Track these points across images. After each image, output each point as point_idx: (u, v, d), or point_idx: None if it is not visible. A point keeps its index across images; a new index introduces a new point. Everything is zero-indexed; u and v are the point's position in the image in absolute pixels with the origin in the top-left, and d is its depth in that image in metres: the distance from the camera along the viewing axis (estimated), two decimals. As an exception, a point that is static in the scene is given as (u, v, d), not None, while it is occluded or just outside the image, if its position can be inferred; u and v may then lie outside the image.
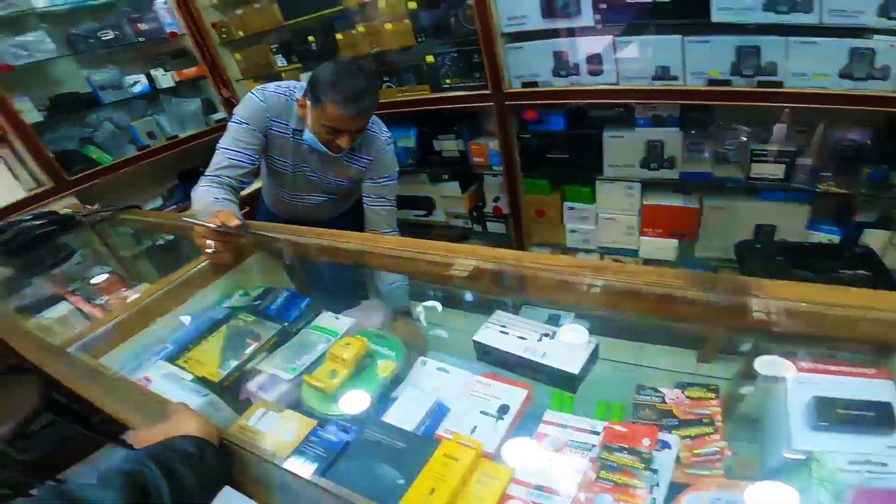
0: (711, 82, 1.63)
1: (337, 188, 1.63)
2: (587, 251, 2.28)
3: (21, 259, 1.69)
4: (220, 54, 2.65)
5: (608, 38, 1.70)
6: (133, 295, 1.42)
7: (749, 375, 0.80)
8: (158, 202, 2.59)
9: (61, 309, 1.38)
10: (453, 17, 1.91)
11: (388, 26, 2.06)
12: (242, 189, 1.44)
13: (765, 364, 0.78)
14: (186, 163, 2.68)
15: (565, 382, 0.87)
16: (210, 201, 1.28)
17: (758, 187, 1.80)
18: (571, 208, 2.19)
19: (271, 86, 1.46)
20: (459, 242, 2.53)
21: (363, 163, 1.52)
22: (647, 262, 2.14)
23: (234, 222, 1.14)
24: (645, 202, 2.03)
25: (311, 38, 2.32)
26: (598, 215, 2.15)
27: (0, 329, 1.24)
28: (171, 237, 1.82)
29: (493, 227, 2.47)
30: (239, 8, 2.48)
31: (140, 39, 2.43)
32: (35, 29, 2.13)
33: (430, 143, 2.34)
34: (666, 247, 2.06)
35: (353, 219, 1.70)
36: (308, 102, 1.35)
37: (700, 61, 1.62)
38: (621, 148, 1.91)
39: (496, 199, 2.40)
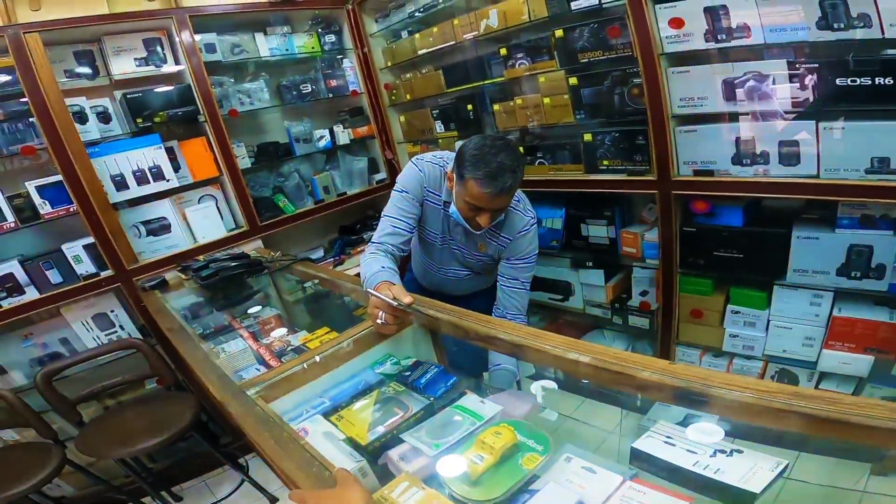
0: (947, 177, 1.35)
1: (478, 263, 1.64)
2: (748, 357, 1.99)
3: (213, 291, 1.96)
4: (388, 115, 2.87)
5: (809, 124, 1.52)
6: (291, 339, 1.55)
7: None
8: (320, 253, 2.83)
9: (237, 344, 1.54)
10: (617, 95, 1.87)
11: (547, 101, 2.09)
12: (403, 255, 1.52)
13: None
14: (348, 218, 2.95)
15: (740, 499, 0.78)
16: (377, 269, 1.35)
17: None
18: (737, 312, 1.93)
19: (428, 155, 1.55)
20: (592, 332, 2.43)
21: (502, 241, 1.53)
22: (824, 375, 1.84)
23: (407, 300, 1.18)
24: (836, 314, 1.71)
25: (469, 107, 2.45)
26: (769, 322, 1.87)
27: (189, 355, 1.42)
28: (326, 290, 1.97)
29: (634, 321, 2.28)
30: (409, 72, 2.72)
31: (329, 95, 2.71)
32: (256, 78, 2.51)
33: (578, 227, 2.27)
34: (856, 363, 1.71)
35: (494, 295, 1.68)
36: (454, 176, 1.39)
37: (933, 153, 1.36)
38: (815, 251, 1.65)
39: (644, 294, 2.22)
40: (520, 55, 2.12)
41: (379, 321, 1.21)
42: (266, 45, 2.49)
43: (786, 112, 1.55)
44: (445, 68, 2.46)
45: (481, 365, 1.52)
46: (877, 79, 1.38)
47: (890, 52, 1.38)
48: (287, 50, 2.56)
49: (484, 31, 2.18)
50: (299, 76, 2.64)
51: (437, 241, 1.62)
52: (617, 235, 2.17)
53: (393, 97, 2.83)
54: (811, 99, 1.50)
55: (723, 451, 0.84)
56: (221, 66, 2.39)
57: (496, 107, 2.32)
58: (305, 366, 1.20)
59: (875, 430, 0.69)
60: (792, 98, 1.52)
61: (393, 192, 1.54)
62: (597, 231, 2.22)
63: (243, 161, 2.43)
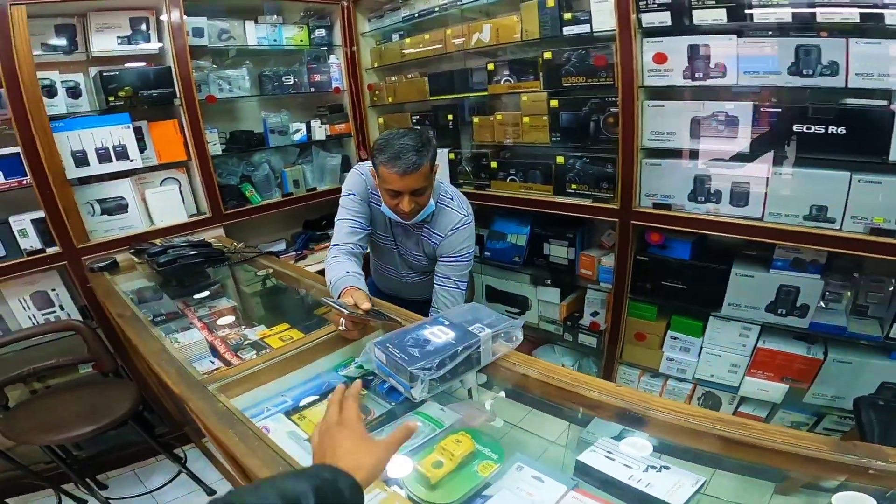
0: (873, 231, 1.49)
1: (418, 263, 1.68)
2: (680, 380, 2.15)
3: (167, 278, 1.88)
4: (367, 115, 2.87)
5: (763, 168, 1.63)
6: (248, 332, 1.53)
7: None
8: (282, 245, 2.79)
9: (192, 335, 1.50)
10: (593, 122, 1.94)
11: (526, 119, 2.15)
12: (364, 252, 1.57)
13: (844, 501, 0.77)
14: (314, 213, 2.93)
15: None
16: (342, 274, 1.38)
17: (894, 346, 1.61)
18: (675, 338, 2.08)
19: (368, 163, 1.58)
20: (543, 346, 2.53)
21: (434, 239, 1.57)
22: (744, 399, 2.02)
23: (365, 306, 1.22)
24: (760, 346, 1.88)
25: (449, 117, 2.48)
26: (702, 349, 2.03)
27: (143, 344, 1.38)
28: (287, 285, 1.95)
29: (584, 339, 2.41)
30: (394, 75, 2.72)
31: (311, 90, 2.68)
32: (239, 65, 2.44)
33: (541, 246, 2.36)
34: (772, 390, 1.89)
35: None
36: (375, 172, 1.45)
37: (865, 204, 1.49)
38: (749, 288, 1.80)
39: (594, 314, 2.34)
40: (506, 72, 2.18)
41: (341, 328, 1.24)
42: (255, 34, 2.45)
43: (743, 154, 1.66)
44: (431, 75, 2.49)
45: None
46: (830, 128, 1.48)
47: (849, 101, 1.48)
48: (275, 40, 2.53)
49: (475, 45, 2.23)
50: (283, 67, 2.61)
51: (385, 243, 1.67)
52: (576, 257, 2.27)
53: (375, 98, 2.83)
54: (768, 143, 1.61)
55: (653, 467, 0.92)
56: (206, 50, 2.33)
57: (475, 119, 2.37)
58: (269, 365, 1.21)
59: (779, 454, 0.82)
60: (752, 140, 1.63)
61: (341, 199, 1.59)
62: (558, 251, 2.32)
63: (214, 147, 2.37)
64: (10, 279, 1.94)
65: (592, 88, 1.94)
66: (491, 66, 2.23)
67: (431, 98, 2.52)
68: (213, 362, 1.39)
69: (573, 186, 2.11)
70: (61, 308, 2.11)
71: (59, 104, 2.01)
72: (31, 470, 1.98)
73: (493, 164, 2.35)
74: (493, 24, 2.15)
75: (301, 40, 2.62)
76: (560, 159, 2.11)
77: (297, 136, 2.67)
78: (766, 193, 1.66)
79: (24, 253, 1.95)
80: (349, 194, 1.57)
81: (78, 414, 1.76)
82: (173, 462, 2.17)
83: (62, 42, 2.03)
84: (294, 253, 2.75)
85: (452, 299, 1.58)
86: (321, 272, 1.58)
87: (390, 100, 2.73)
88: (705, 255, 1.94)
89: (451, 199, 1.58)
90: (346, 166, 2.91)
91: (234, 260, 2.04)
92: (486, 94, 2.30)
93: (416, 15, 2.46)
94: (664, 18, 1.67)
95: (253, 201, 2.54)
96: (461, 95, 2.41)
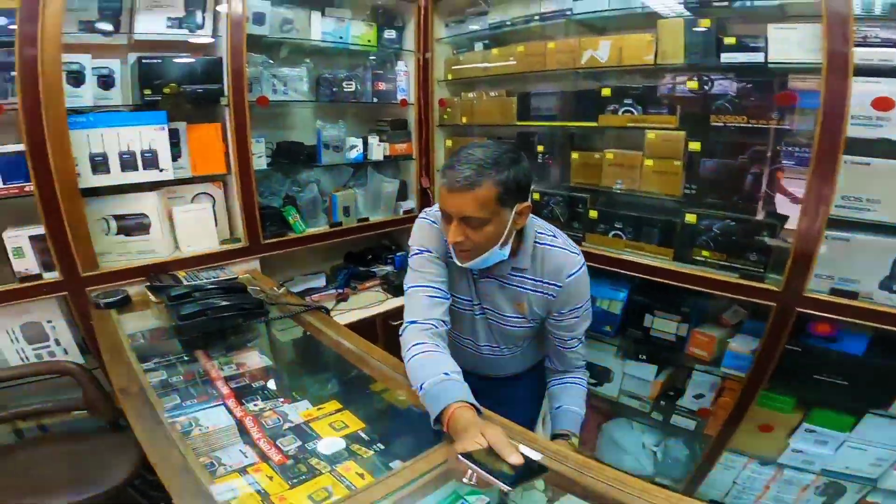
0: None
1: (513, 329, 1.27)
2: (802, 470, 1.78)
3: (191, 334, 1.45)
4: (434, 136, 2.50)
5: None
6: (287, 409, 1.17)
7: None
8: (322, 281, 2.37)
9: (218, 416, 1.13)
10: (751, 176, 1.56)
11: (649, 163, 1.76)
12: (448, 329, 1.17)
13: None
14: (358, 245, 2.52)
15: None
16: (439, 377, 0.99)
17: None
18: (811, 430, 1.71)
19: (436, 207, 1.23)
20: (617, 420, 2.13)
21: (550, 290, 1.18)
22: (875, 489, 1.68)
23: (515, 459, 0.82)
24: (921, 441, 1.52)
25: (539, 148, 2.10)
26: (845, 443, 1.67)
27: (157, 452, 0.97)
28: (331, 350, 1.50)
29: (679, 420, 2.01)
30: (473, 91, 2.37)
31: (374, 100, 2.32)
32: (297, 64, 2.06)
33: (640, 316, 1.95)
34: None
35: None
36: None
37: None
38: (933, 388, 1.43)
39: (699, 397, 1.94)
40: (627, 101, 1.80)
41: (466, 480, 0.84)
42: (319, 27, 2.06)
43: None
44: (521, 95, 2.13)
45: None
46: None
47: None
48: (341, 37, 2.14)
49: (586, 63, 1.86)
50: (345, 71, 2.22)
51: (466, 307, 1.28)
52: (688, 334, 1.88)
53: (445, 116, 2.46)
54: None
55: None
56: (263, 42, 1.95)
57: (575, 155, 1.98)
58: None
59: None
60: None
61: (411, 258, 1.22)
62: (664, 326, 1.92)
63: (258, 160, 1.96)
64: (-2, 307, 1.55)
65: (755, 133, 1.56)
66: (606, 92, 1.84)
67: (519, 123, 2.15)
68: (244, 453, 1.04)
69: (704, 254, 1.71)
70: (57, 343, 1.72)
71: (84, 94, 1.63)
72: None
73: (593, 213, 1.95)
74: (613, 41, 1.79)
75: (368, 40, 2.24)
76: (691, 217, 1.71)
77: (352, 154, 2.27)
78: None
79: (17, 278, 1.57)
80: (423, 251, 1.19)
81: (60, 476, 1.42)
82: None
83: (106, 25, 1.65)
84: (335, 292, 2.32)
85: (581, 352, 1.33)
86: (370, 326, 1.16)
87: (464, 120, 2.36)
88: (885, 350, 1.55)
89: (555, 237, 1.20)
90: (402, 194, 2.52)
91: (275, 315, 1.62)
92: (594, 124, 1.92)
93: (509, 22, 2.11)
94: (889, 56, 1.30)
95: (296, 229, 2.12)
96: (559, 124, 2.03)
